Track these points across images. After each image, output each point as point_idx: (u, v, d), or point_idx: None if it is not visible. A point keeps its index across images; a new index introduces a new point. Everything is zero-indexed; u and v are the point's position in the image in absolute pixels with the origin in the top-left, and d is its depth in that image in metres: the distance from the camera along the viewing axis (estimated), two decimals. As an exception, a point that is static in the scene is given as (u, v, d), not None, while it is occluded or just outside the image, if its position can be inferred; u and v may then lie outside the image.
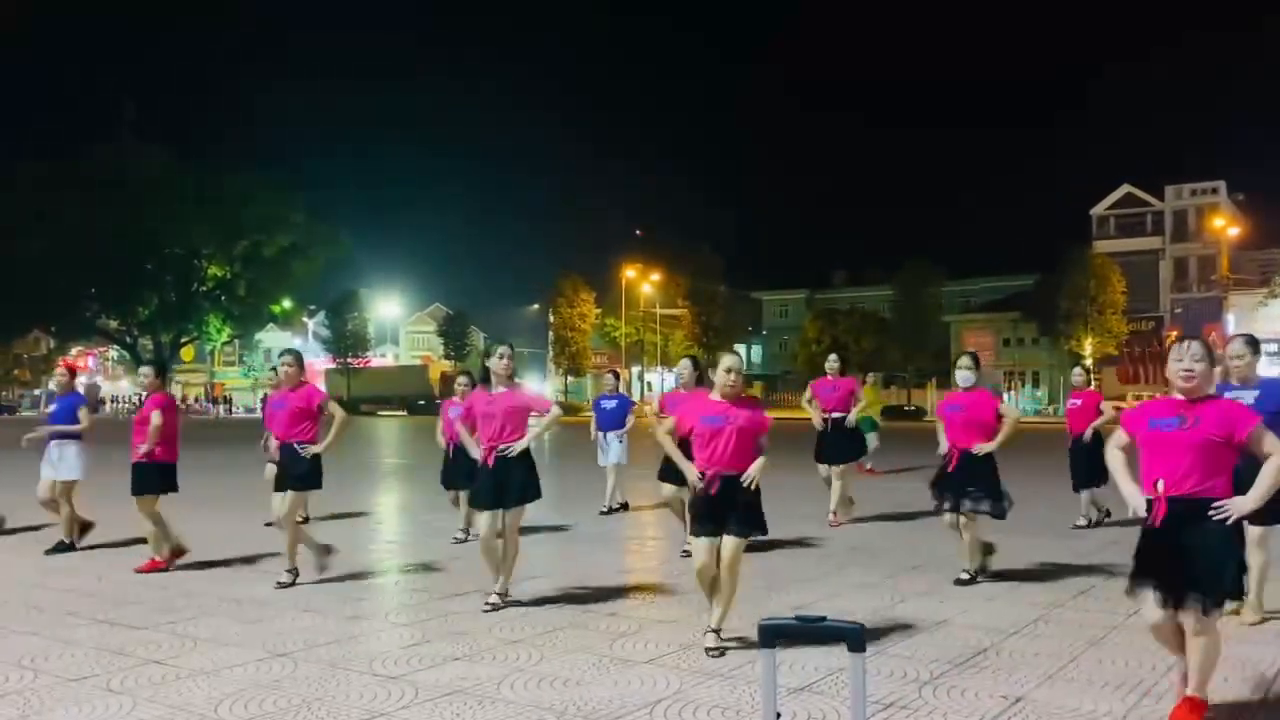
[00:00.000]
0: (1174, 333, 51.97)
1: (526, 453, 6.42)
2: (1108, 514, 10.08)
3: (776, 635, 2.56)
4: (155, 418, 7.92)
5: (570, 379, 68.76)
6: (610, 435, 11.47)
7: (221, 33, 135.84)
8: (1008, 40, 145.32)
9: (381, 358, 78.60)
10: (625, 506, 11.70)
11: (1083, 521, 10.04)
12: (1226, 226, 52.69)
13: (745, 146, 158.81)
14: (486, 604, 6.41)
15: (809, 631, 2.58)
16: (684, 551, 8.31)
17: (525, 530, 10.14)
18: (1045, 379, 58.01)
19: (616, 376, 12.35)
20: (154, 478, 7.99)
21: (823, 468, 10.50)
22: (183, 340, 67.46)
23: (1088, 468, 9.79)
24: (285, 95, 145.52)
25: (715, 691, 4.72)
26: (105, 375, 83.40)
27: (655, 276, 65.90)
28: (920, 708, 4.49)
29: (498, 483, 6.34)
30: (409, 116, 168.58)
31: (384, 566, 8.30)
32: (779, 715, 2.71)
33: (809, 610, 6.45)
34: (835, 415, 10.24)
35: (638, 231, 73.10)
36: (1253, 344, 5.86)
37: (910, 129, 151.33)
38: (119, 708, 4.53)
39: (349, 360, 69.79)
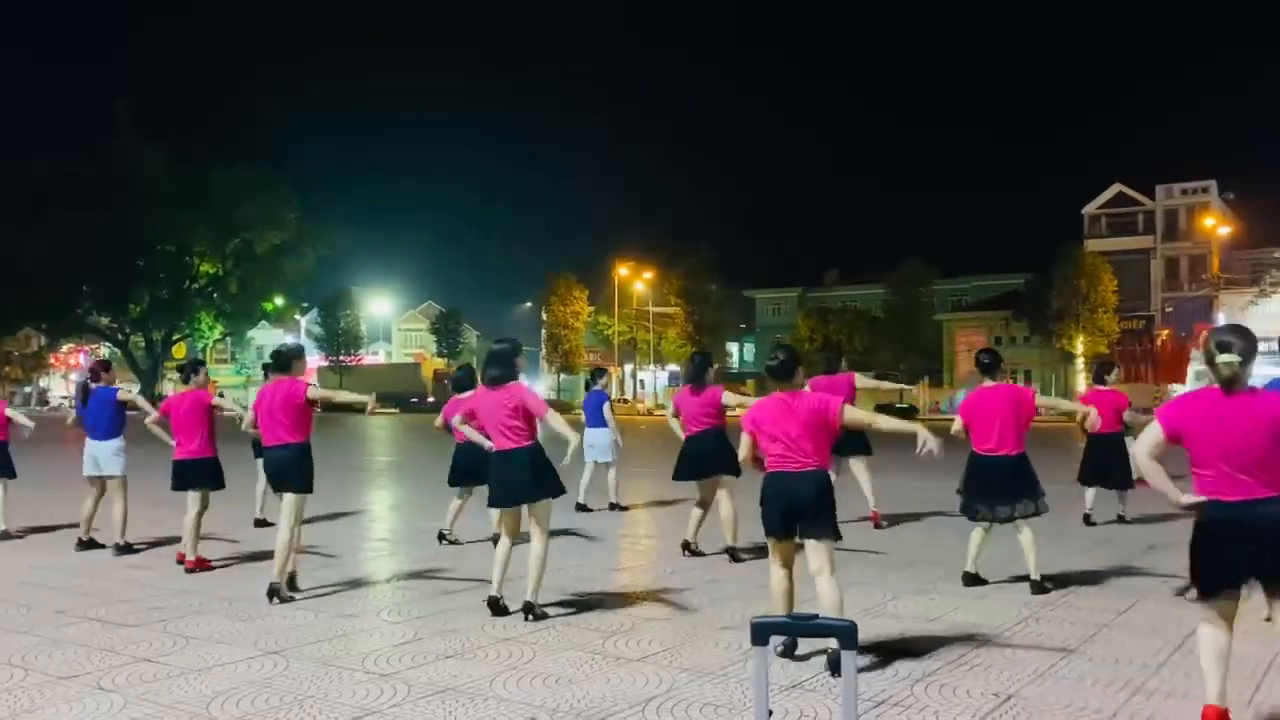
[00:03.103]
0: (1165, 332, 52.17)
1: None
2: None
3: (769, 632, 2.56)
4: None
5: (563, 377, 68.75)
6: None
7: (215, 32, 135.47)
8: (999, 45, 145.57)
9: (374, 356, 78.46)
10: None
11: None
12: (1217, 226, 52.81)
13: (738, 146, 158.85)
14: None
15: (802, 629, 2.58)
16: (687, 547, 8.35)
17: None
18: (1037, 378, 58.09)
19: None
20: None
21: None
22: (175, 337, 67.28)
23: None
24: (279, 93, 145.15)
25: (707, 689, 4.72)
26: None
27: (648, 275, 65.85)
28: (912, 705, 4.50)
29: None
30: (402, 114, 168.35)
31: (376, 565, 8.29)
32: (770, 713, 2.71)
33: (801, 608, 6.46)
34: None
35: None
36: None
37: (904, 129, 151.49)
38: (110, 706, 4.52)
39: (341, 358, 69.64)
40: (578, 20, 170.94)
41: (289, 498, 6.80)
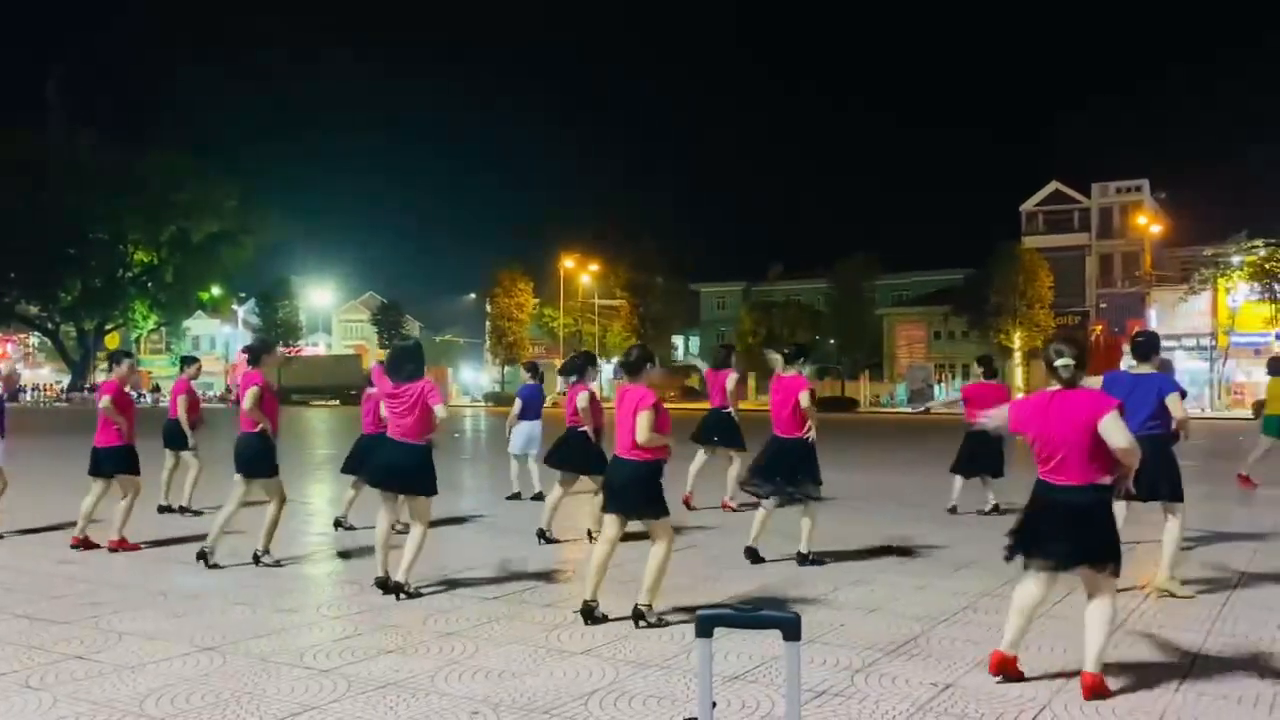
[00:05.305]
0: (1099, 327, 53.34)
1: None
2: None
3: (714, 624, 2.57)
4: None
5: (507, 369, 68.44)
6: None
7: (155, 14, 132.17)
8: (945, 43, 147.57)
9: (314, 347, 77.39)
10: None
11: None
12: (1149, 224, 54.15)
13: (684, 141, 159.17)
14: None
15: (746, 621, 2.59)
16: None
17: (461, 520, 10.09)
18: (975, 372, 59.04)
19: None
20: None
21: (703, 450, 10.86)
22: (107, 327, 65.70)
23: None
24: (220, 79, 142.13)
25: (651, 681, 4.73)
26: (27, 363, 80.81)
27: (594, 267, 65.74)
28: (853, 694, 4.55)
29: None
30: (345, 104, 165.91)
31: (315, 559, 8.18)
32: (714, 704, 2.72)
33: (742, 599, 6.50)
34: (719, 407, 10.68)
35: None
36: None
37: (851, 126, 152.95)
38: (38, 704, 4.40)
39: (280, 349, 68.54)
40: (527, 16, 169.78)
41: (273, 480, 7.69)
